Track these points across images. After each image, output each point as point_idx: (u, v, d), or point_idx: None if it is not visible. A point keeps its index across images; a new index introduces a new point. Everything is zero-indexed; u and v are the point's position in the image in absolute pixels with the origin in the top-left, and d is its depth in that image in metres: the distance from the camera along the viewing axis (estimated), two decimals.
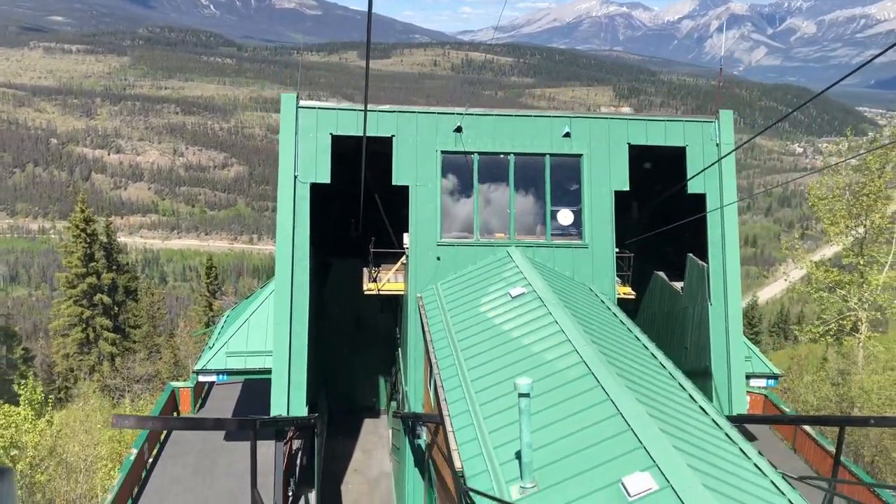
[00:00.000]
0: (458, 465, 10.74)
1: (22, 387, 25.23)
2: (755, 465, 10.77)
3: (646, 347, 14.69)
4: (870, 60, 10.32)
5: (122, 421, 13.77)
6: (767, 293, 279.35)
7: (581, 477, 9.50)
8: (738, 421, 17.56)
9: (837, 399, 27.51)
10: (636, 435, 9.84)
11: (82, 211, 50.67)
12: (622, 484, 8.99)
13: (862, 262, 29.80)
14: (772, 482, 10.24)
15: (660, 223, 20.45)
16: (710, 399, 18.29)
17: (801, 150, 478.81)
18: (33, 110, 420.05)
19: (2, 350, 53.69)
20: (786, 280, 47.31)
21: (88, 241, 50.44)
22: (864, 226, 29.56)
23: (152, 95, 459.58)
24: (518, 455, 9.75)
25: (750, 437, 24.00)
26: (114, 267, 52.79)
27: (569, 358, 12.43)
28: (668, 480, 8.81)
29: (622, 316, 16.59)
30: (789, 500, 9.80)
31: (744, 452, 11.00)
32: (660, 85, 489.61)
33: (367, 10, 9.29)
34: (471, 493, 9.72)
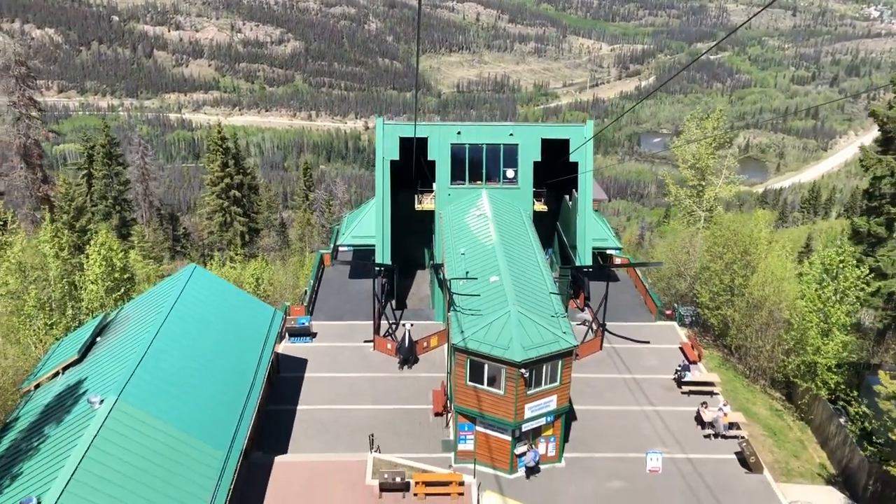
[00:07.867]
0: (446, 276, 32.98)
1: (233, 251, 49.01)
2: (545, 279, 32.66)
3: (528, 235, 36.39)
4: None
5: (333, 262, 37.14)
6: (825, 166, 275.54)
7: (481, 277, 31.51)
8: (585, 267, 39.30)
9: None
10: (499, 268, 31.76)
11: (219, 132, 72.84)
12: (489, 279, 31.00)
13: (703, 184, 50.73)
14: (551, 293, 32.02)
15: (566, 173, 41.64)
16: (575, 257, 40.22)
17: (876, 13, 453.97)
18: None
19: (169, 229, 77.92)
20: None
21: (224, 152, 72.70)
22: (702, 163, 50.06)
23: None
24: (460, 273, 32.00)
25: (616, 278, 45.95)
26: (240, 171, 75.29)
27: (489, 241, 34.33)
28: (501, 279, 30.74)
29: (527, 221, 38.32)
30: (553, 303, 31.55)
31: (544, 276, 32.82)
32: None
33: None
34: (447, 281, 31.86)
